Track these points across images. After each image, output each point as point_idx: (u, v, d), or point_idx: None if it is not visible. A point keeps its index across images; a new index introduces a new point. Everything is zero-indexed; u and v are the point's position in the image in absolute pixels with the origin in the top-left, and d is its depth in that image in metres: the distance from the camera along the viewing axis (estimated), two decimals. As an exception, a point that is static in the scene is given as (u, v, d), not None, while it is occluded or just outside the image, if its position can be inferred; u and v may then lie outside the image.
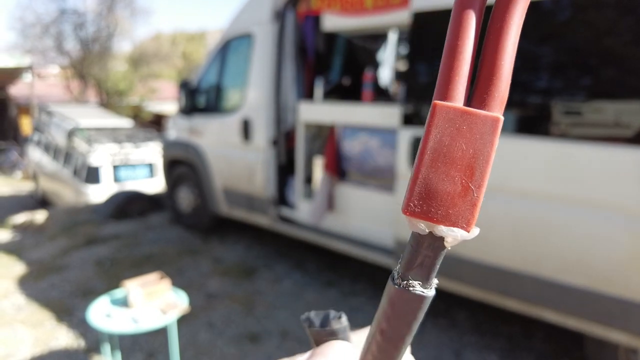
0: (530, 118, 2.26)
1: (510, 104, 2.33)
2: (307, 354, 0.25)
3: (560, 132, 2.12)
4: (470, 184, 0.16)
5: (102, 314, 2.22)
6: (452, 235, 0.16)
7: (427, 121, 0.16)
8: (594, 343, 2.30)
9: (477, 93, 0.17)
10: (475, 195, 0.16)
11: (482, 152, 0.16)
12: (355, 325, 0.29)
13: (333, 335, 0.25)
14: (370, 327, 0.20)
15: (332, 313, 0.26)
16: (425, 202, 0.16)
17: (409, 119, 2.62)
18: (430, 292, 0.18)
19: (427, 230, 0.16)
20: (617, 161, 1.94)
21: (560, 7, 2.12)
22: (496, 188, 2.31)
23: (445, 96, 0.16)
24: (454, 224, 0.16)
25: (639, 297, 1.92)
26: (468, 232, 0.16)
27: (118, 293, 2.42)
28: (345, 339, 0.25)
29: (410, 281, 0.17)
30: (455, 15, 0.17)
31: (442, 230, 0.16)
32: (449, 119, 0.16)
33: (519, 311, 2.37)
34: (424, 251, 0.17)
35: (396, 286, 0.17)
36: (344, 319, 0.26)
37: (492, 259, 2.36)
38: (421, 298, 0.17)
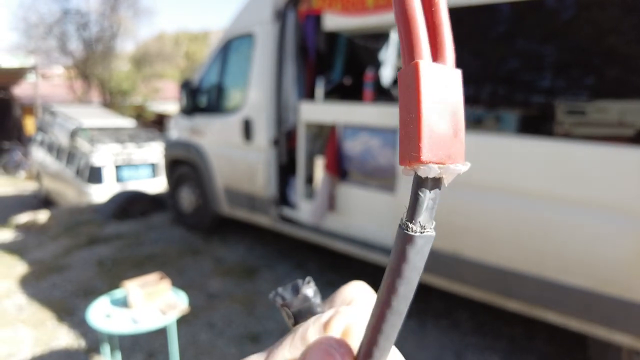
0: (532, 118, 2.24)
1: (512, 104, 2.32)
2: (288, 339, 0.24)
3: (562, 132, 2.10)
4: (457, 127, 0.19)
5: (102, 314, 2.22)
6: (457, 171, 0.19)
7: (411, 80, 0.18)
8: (597, 345, 2.27)
9: (435, 54, 0.20)
10: (461, 135, 0.19)
11: (458, 100, 0.19)
12: None
13: (307, 300, 0.25)
14: (380, 290, 0.21)
15: (300, 281, 0.26)
16: (434, 147, 0.18)
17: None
18: (434, 232, 0.20)
19: (439, 172, 0.19)
20: (620, 161, 1.92)
21: (563, 6, 2.11)
22: (498, 188, 2.30)
23: (421, 56, 0.19)
24: (455, 161, 0.19)
25: (642, 298, 1.90)
26: (464, 165, 0.19)
27: (118, 293, 2.42)
28: (317, 302, 0.26)
29: (424, 225, 0.19)
30: None
31: (449, 168, 0.19)
32: (432, 74, 0.18)
33: (521, 312, 2.36)
34: (430, 194, 0.19)
35: (413, 233, 0.19)
36: (313, 283, 0.26)
37: (494, 260, 2.34)
38: (431, 238, 0.19)
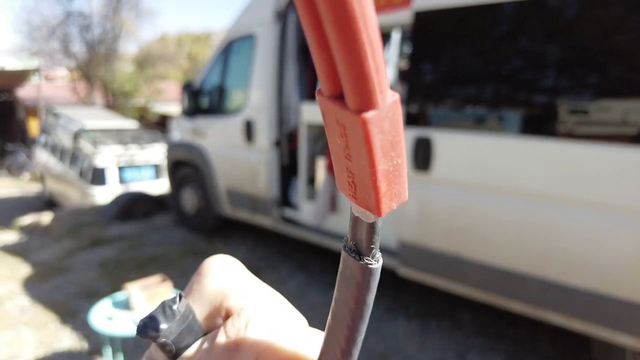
0: (534, 117, 2.23)
1: (514, 104, 2.30)
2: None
3: (565, 132, 2.09)
4: (400, 160, 0.16)
5: (103, 316, 2.22)
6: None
7: (360, 134, 0.15)
8: (600, 346, 2.26)
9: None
10: (403, 164, 0.17)
11: (398, 131, 0.16)
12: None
13: (186, 319, 0.22)
14: (346, 322, 0.20)
15: (167, 301, 0.22)
16: (392, 195, 0.17)
17: (412, 119, 2.59)
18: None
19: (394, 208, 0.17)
20: (624, 161, 1.90)
21: (566, 4, 2.09)
22: (500, 188, 2.28)
23: (375, 103, 0.15)
24: (405, 196, 0.17)
25: (646, 300, 1.88)
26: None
27: (120, 296, 2.42)
28: (192, 317, 0.22)
29: (377, 256, 0.19)
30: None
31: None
32: (376, 123, 0.15)
33: (525, 313, 2.34)
34: (380, 226, 0.18)
35: (376, 266, 0.18)
36: (183, 297, 0.22)
37: (497, 261, 2.32)
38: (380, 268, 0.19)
